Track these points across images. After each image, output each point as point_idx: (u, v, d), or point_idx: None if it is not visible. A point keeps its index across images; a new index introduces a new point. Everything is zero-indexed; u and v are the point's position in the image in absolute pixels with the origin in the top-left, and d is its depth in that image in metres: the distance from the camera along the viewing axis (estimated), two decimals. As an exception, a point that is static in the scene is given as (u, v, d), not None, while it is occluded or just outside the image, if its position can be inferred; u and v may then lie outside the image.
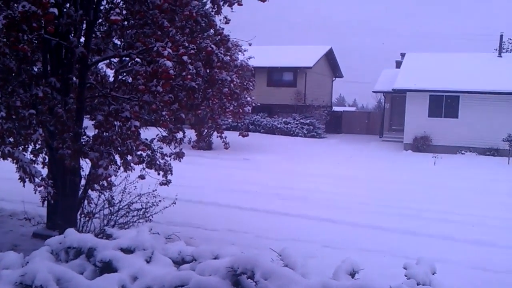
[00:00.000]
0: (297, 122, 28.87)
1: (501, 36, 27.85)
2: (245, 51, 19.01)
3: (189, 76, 5.93)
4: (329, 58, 34.91)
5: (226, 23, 7.12)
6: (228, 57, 6.88)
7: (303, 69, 30.38)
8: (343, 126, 34.03)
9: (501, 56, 26.92)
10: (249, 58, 19.33)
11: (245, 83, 9.62)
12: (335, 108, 44.58)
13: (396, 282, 2.60)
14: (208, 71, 6.56)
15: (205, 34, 6.97)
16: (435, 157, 20.20)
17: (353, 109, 72.84)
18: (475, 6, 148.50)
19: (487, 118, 22.64)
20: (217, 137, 8.51)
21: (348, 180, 15.82)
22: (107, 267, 2.82)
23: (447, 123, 23.39)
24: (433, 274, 2.78)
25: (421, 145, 23.22)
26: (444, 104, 23.54)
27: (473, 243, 8.75)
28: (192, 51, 5.99)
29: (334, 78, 37.35)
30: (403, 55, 30.65)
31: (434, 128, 23.39)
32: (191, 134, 8.44)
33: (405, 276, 2.66)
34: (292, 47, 33.75)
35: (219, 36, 6.90)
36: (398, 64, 31.27)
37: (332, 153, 22.56)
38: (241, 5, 6.89)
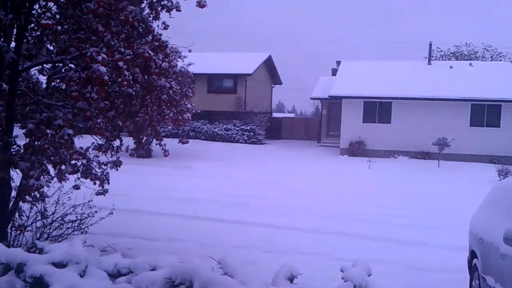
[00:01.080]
0: (238, 128, 28.97)
1: (430, 45, 29.36)
2: (184, 57, 18.81)
3: (125, 83, 5.79)
4: (268, 65, 35.37)
5: (165, 28, 7.02)
6: (166, 63, 6.78)
7: (243, 76, 30.57)
8: (283, 132, 34.52)
9: (430, 64, 28.37)
10: (189, 65, 19.19)
11: (184, 90, 9.51)
12: (275, 115, 45.12)
13: (334, 285, 2.66)
14: (145, 77, 6.44)
15: (143, 40, 6.84)
16: (369, 161, 20.91)
17: (292, 115, 74.05)
18: (406, 16, 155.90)
19: (418, 123, 23.74)
20: (156, 144, 8.36)
21: (288, 185, 16.04)
22: (38, 283, 2.69)
23: (380, 128, 24.30)
24: (369, 275, 2.86)
25: (357, 149, 23.97)
26: (378, 110, 24.46)
27: (407, 244, 9.12)
28: (128, 56, 5.86)
29: (273, 85, 37.86)
30: (338, 62, 31.57)
31: (368, 133, 24.23)
32: (129, 142, 8.22)
33: (342, 278, 2.73)
34: (232, 54, 33.89)
35: (157, 42, 6.79)
36: (334, 72, 32.16)
37: (273, 159, 22.81)
38: (180, 11, 6.81)
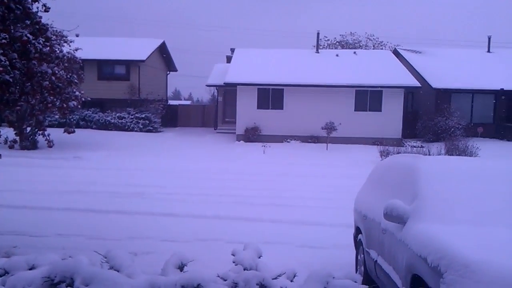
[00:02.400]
0: (132, 116, 28.10)
1: (318, 34, 30.69)
2: (71, 42, 17.80)
3: (1, 68, 5.34)
4: (163, 51, 34.65)
5: (46, 11, 6.56)
6: (48, 48, 6.36)
7: (136, 62, 29.64)
8: (180, 119, 34.15)
9: (318, 52, 29.68)
10: (76, 50, 18.16)
11: (69, 76, 8.97)
12: (171, 102, 44.46)
13: (226, 269, 2.71)
14: (25, 62, 5.98)
15: (22, 23, 6.33)
16: (264, 146, 21.49)
17: (188, 102, 73.50)
18: (296, 7, 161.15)
19: (308, 109, 24.81)
20: (39, 135, 7.84)
21: (184, 172, 15.96)
22: None
23: (274, 114, 25.04)
24: (259, 257, 2.95)
25: (252, 135, 24.47)
26: (271, 96, 25.14)
27: (300, 224, 9.54)
28: (4, 40, 5.40)
29: (168, 72, 37.20)
30: (233, 50, 31.82)
31: (262, 119, 24.85)
32: (9, 132, 7.60)
33: (233, 262, 2.78)
34: (124, 39, 32.68)
35: (37, 25, 6.33)
36: (229, 59, 32.39)
37: (169, 147, 22.50)
38: (61, -8, 6.41)
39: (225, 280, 2.53)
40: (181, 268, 2.62)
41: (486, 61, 29.09)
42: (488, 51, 31.20)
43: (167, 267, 2.60)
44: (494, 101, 26.64)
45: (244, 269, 2.69)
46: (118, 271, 2.42)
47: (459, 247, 3.73)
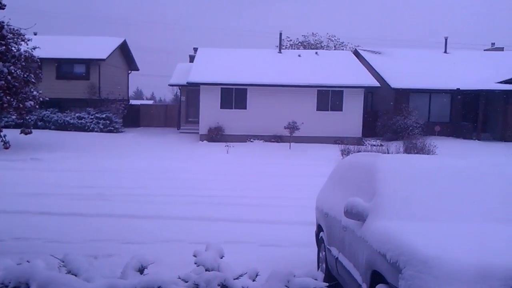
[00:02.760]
0: (92, 116, 27.53)
1: (280, 34, 30.87)
2: (29, 40, 17.25)
3: (-48, 68, 5.13)
4: (124, 50, 34.10)
5: (1, 8, 6.36)
6: (3, 47, 6.16)
7: (96, 61, 29.06)
8: (142, 119, 33.69)
9: (281, 52, 29.88)
10: (34, 48, 17.60)
11: (26, 75, 8.71)
12: (133, 102, 43.81)
13: (187, 270, 2.70)
14: (-23, 62, 5.77)
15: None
16: (227, 146, 21.47)
17: (151, 102, 72.59)
18: (259, 7, 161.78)
19: (271, 109, 24.96)
20: (-5, 136, 7.58)
21: (146, 173, 15.77)
22: None
23: (237, 114, 25.05)
24: (222, 258, 2.95)
25: (215, 135, 24.41)
26: (234, 96, 25.15)
27: (263, 223, 9.58)
28: (-45, 39, 5.19)
29: (130, 71, 36.64)
30: (196, 49, 31.64)
31: (226, 119, 24.83)
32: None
33: (195, 263, 2.78)
34: (84, 38, 31.97)
35: (-10, 23, 6.12)
36: (192, 58, 32.20)
37: (131, 147, 22.16)
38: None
39: (186, 282, 2.53)
40: (141, 270, 2.60)
41: (443, 62, 30.01)
42: (445, 51, 32.19)
43: (126, 270, 2.56)
44: (450, 100, 27.52)
45: (206, 270, 2.69)
46: (75, 275, 2.37)
47: (417, 243, 3.84)
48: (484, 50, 35.47)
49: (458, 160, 6.06)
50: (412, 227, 4.23)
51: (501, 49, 34.67)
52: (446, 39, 32.21)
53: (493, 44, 35.95)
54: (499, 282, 3.37)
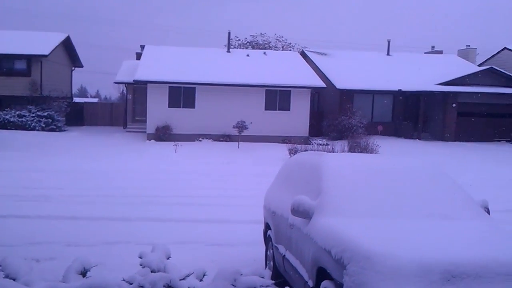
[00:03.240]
0: (34, 115, 26.41)
1: (229, 34, 30.83)
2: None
3: None
4: (67, 46, 32.97)
5: None
6: None
7: (38, 57, 27.90)
8: (86, 118, 32.71)
9: (229, 52, 29.86)
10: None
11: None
12: (77, 100, 42.43)
13: (133, 272, 2.66)
14: None
15: None
16: (176, 145, 21.24)
17: (96, 100, 70.60)
18: (207, 5, 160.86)
19: (220, 108, 24.89)
20: None
21: (90, 173, 15.32)
22: None
23: (185, 113, 24.81)
24: (168, 258, 2.93)
25: (163, 134, 24.07)
26: (182, 95, 24.89)
27: (211, 222, 9.56)
28: None
29: (73, 68, 35.45)
30: (143, 47, 31.05)
31: (174, 118, 24.53)
32: None
33: (140, 265, 2.74)
34: (25, 33, 30.59)
35: None
36: (139, 56, 31.58)
37: (74, 147, 21.45)
38: None
39: (131, 284, 2.48)
40: (83, 273, 2.52)
41: (386, 64, 31.03)
42: (388, 54, 33.27)
43: (68, 273, 2.49)
44: (392, 101, 28.50)
45: (152, 271, 2.65)
46: (14, 280, 2.27)
47: (360, 239, 3.95)
48: (425, 52, 36.98)
49: (398, 158, 6.29)
50: (356, 224, 4.35)
51: (441, 52, 36.27)
52: (389, 42, 33.31)
53: (433, 47, 37.54)
54: (438, 276, 3.53)
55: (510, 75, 26.81)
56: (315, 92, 28.68)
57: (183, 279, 2.67)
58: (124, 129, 29.32)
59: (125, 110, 30.59)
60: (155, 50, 28.19)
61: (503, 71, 27.09)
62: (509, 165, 19.79)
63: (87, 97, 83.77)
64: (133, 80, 24.66)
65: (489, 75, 26.70)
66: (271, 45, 43.72)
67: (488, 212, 5.18)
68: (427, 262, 3.60)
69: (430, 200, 4.94)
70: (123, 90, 40.72)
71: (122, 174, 15.43)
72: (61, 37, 31.10)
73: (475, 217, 4.82)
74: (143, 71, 24.79)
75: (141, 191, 12.52)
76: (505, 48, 33.00)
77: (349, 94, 27.21)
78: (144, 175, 15.27)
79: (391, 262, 3.62)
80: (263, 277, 2.69)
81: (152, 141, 24.03)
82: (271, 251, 6.55)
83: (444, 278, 3.53)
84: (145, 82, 24.50)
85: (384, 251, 3.72)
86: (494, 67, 27.59)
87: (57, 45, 30.00)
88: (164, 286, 2.44)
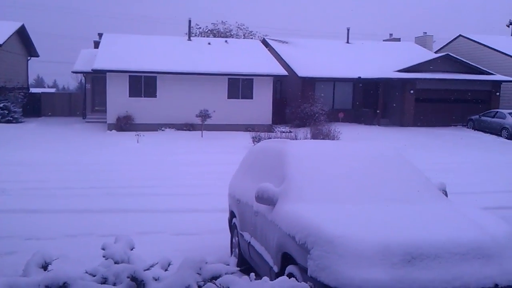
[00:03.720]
0: (-12, 106, 25.42)
1: (190, 21, 30.45)
2: None
3: None
4: (22, 35, 31.78)
5: None
6: None
7: (-10, 47, 26.80)
8: (43, 109, 31.71)
9: (190, 40, 29.51)
10: None
11: None
12: (34, 90, 41.07)
13: (95, 264, 2.61)
14: None
15: None
16: (138, 135, 20.93)
17: (53, 90, 68.59)
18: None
19: (182, 97, 24.64)
20: None
21: (49, 165, 14.92)
22: None
23: (147, 103, 24.44)
24: (132, 249, 2.90)
25: (124, 124, 23.66)
26: (143, 84, 24.49)
27: (176, 212, 9.51)
28: None
29: (29, 58, 34.23)
30: (101, 35, 30.28)
31: (135, 107, 24.12)
32: None
33: (104, 256, 2.70)
34: (-24, 22, 29.31)
35: None
36: (97, 44, 30.79)
37: (32, 138, 20.80)
38: None
39: (94, 276, 2.44)
40: (45, 267, 2.47)
41: (346, 51, 31.43)
42: (347, 42, 33.69)
43: (28, 267, 2.42)
44: (353, 88, 28.95)
45: (115, 263, 2.62)
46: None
47: (323, 224, 4.02)
48: (383, 40, 37.66)
49: (359, 144, 6.42)
50: (319, 209, 4.42)
51: (398, 39, 37.02)
52: (348, 30, 33.71)
53: (391, 35, 38.27)
54: (399, 257, 3.64)
55: (465, 62, 27.69)
56: (278, 80, 28.79)
57: (148, 269, 2.65)
58: (83, 120, 28.64)
59: (84, 100, 29.85)
60: (114, 39, 27.54)
61: (458, 57, 27.92)
62: (463, 148, 20.51)
63: (44, 87, 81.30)
64: (92, 69, 24.05)
65: (445, 61, 27.48)
66: (232, 33, 43.51)
67: (446, 195, 5.36)
68: (388, 245, 3.70)
69: (390, 184, 5.07)
70: (81, 80, 39.67)
71: (82, 165, 15.10)
72: (15, 26, 29.98)
73: (433, 199, 4.98)
74: (102, 60, 24.21)
75: (102, 182, 12.30)
76: (460, 35, 34.01)
77: (310, 82, 27.44)
78: (104, 166, 14.99)
79: (354, 245, 3.71)
80: (228, 265, 2.70)
81: (113, 131, 23.59)
82: (236, 238, 6.59)
83: (404, 260, 3.64)
84: (104, 71, 23.95)
85: (347, 235, 3.81)
86: (450, 54, 28.40)
87: (12, 34, 28.91)
88: (128, 277, 2.41)
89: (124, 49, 25.80)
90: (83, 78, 31.65)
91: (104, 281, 2.38)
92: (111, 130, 23.73)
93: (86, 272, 2.51)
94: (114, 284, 2.45)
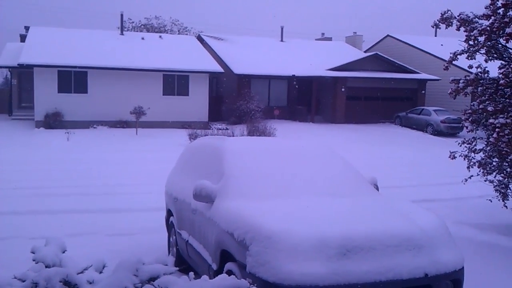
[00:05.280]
0: None
1: (122, 15, 29.64)
2: None
3: None
4: None
5: None
6: None
7: None
8: (-39, 106, 29.68)
9: (123, 34, 28.71)
10: None
11: None
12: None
13: (24, 269, 2.48)
14: None
15: None
16: (68, 132, 20.09)
17: (-27, 85, 64.36)
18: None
19: (115, 93, 23.93)
20: None
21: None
22: None
23: (77, 99, 23.51)
24: (64, 252, 2.77)
25: (53, 121, 22.64)
26: (74, 79, 23.53)
27: (110, 212, 9.22)
28: None
29: None
30: (27, 28, 28.75)
31: (65, 104, 23.12)
32: None
33: (34, 260, 2.56)
34: None
35: None
36: (23, 38, 29.18)
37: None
38: None
39: (24, 281, 2.31)
40: (-33, 274, 2.30)
41: (280, 50, 31.86)
42: (281, 40, 34.16)
43: None
44: (287, 86, 29.42)
45: (46, 267, 2.49)
46: None
47: (262, 220, 4.06)
48: (315, 39, 38.55)
49: (294, 141, 6.54)
50: (257, 206, 4.45)
51: (330, 39, 38.04)
52: (282, 28, 34.18)
53: (323, 34, 39.25)
54: (334, 250, 3.74)
55: (393, 61, 28.94)
56: (214, 77, 28.68)
57: (81, 272, 2.55)
58: (9, 117, 27.09)
59: (10, 96, 28.25)
60: (42, 32, 26.21)
61: (386, 57, 29.14)
62: (392, 144, 21.45)
63: (-37, 82, 75.95)
64: (18, 64, 22.75)
65: (374, 61, 28.59)
66: (166, 29, 42.84)
67: (377, 189, 5.57)
68: (324, 238, 3.80)
69: (325, 179, 5.19)
70: (7, 75, 37.49)
71: (6, 165, 14.26)
72: None
73: (365, 193, 5.17)
74: (29, 54, 22.98)
75: (29, 182, 11.69)
76: (388, 35, 35.49)
77: (246, 79, 27.58)
78: (31, 166, 14.24)
79: (291, 240, 3.77)
80: (166, 265, 2.65)
81: (42, 128, 22.50)
82: (174, 237, 6.50)
83: (340, 253, 3.75)
84: (32, 66, 22.78)
85: (284, 230, 3.86)
86: (379, 53, 29.57)
87: None
88: (60, 281, 2.30)
89: (53, 43, 24.63)
90: (9, 73, 29.93)
91: (35, 286, 2.26)
92: (39, 128, 22.62)
93: (15, 278, 2.37)
94: (46, 289, 2.33)
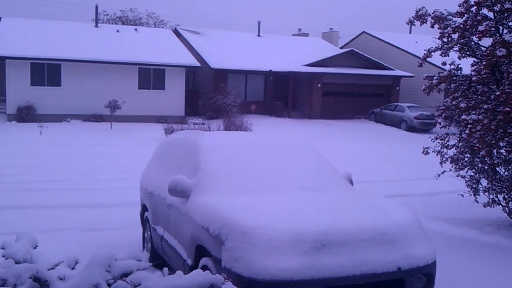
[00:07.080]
0: None
1: (96, 7, 29.11)
2: None
3: None
4: None
5: None
6: None
7: None
8: None
9: (97, 27, 28.20)
10: None
11: None
12: None
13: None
14: None
15: None
16: (40, 126, 19.70)
17: None
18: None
19: (89, 86, 23.54)
20: None
21: None
22: None
23: (51, 92, 23.05)
24: (35, 248, 2.71)
25: (26, 115, 22.17)
26: (47, 72, 23.04)
27: (84, 207, 9.08)
28: None
29: None
30: (-2, 18, 27.99)
31: (38, 97, 22.64)
32: None
33: (3, 256, 2.50)
34: None
35: None
36: (-7, 28, 28.40)
37: None
38: None
39: (-8, 278, 2.25)
40: None
41: (257, 44, 31.80)
42: (258, 35, 34.12)
43: None
44: (264, 81, 29.43)
45: (16, 263, 2.43)
46: None
47: (237, 215, 4.05)
48: (292, 35, 38.63)
49: (270, 136, 6.55)
50: (233, 201, 4.45)
51: (306, 34, 38.18)
52: (259, 23, 34.14)
53: (299, 30, 39.36)
54: (309, 245, 3.77)
55: (368, 57, 29.23)
56: (190, 71, 28.48)
57: (52, 268, 2.49)
58: (-22, 110, 26.39)
59: (-21, 88, 27.49)
60: (14, 23, 25.53)
61: (362, 53, 29.41)
62: (367, 139, 21.70)
63: None
64: (-12, 56, 22.17)
65: (350, 57, 28.82)
66: (142, 22, 42.35)
67: (352, 183, 5.62)
68: (299, 233, 3.81)
69: (301, 174, 5.21)
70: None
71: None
72: None
73: (341, 188, 5.21)
74: (1, 45, 22.38)
75: (1, 177, 11.42)
76: (364, 32, 35.81)
77: (223, 74, 27.46)
78: (4, 160, 13.93)
79: (266, 235, 3.78)
80: (140, 260, 2.62)
81: (14, 122, 22.01)
82: (149, 232, 6.44)
83: (315, 247, 3.77)
84: (4, 58, 22.21)
85: (260, 225, 3.87)
86: (354, 49, 29.82)
87: None
88: (30, 277, 2.25)
89: (26, 34, 24.06)
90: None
91: (4, 283, 2.20)
92: (11, 121, 22.12)
93: (-17, 275, 2.31)
94: (15, 286, 2.28)
